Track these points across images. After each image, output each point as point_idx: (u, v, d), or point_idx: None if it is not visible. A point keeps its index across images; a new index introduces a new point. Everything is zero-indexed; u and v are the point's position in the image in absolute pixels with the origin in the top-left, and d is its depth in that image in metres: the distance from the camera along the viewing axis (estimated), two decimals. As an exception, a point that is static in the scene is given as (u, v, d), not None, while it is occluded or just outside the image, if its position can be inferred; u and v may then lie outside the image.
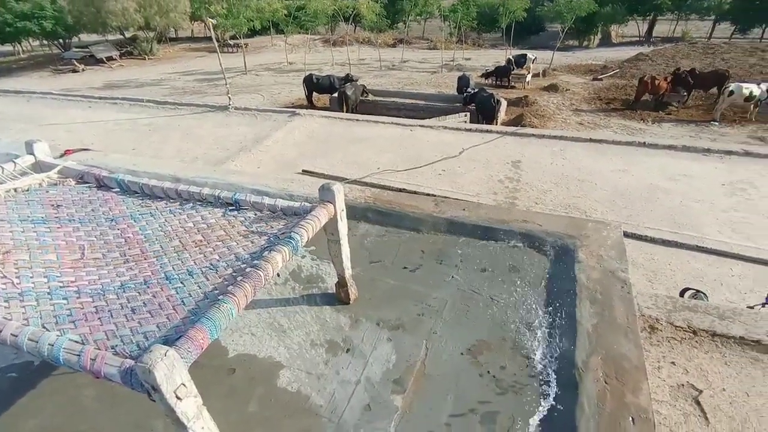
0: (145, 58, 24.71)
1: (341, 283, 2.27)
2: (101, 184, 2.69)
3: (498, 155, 6.27)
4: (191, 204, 2.34)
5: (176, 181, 3.59)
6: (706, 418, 2.14)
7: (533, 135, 6.77)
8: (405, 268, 2.52)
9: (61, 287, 1.83)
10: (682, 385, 2.30)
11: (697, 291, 3.33)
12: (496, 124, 9.73)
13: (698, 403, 2.21)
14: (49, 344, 1.41)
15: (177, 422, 1.35)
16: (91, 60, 22.72)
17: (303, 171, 6.15)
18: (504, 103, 11.24)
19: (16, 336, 1.47)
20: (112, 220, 2.30)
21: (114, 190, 2.62)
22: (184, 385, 1.31)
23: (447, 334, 2.07)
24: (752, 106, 10.44)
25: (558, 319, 2.06)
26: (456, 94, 12.44)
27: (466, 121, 9.35)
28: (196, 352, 1.34)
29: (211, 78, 17.65)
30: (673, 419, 2.14)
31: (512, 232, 2.65)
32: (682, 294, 3.35)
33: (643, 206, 4.95)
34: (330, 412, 1.77)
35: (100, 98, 10.47)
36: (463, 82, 12.46)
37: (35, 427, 1.80)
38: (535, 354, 1.93)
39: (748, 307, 3.23)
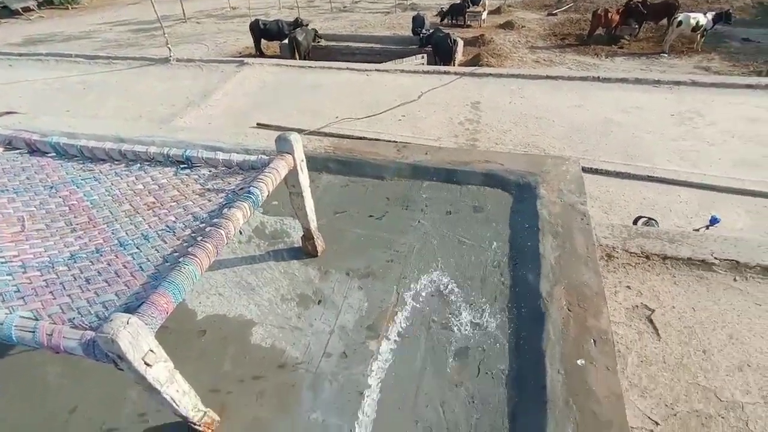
0: (68, 8, 22.20)
1: (307, 236, 2.22)
2: (33, 149, 2.46)
3: (457, 97, 6.19)
4: (138, 165, 2.18)
5: (120, 141, 3.34)
6: (658, 334, 2.31)
7: (491, 75, 6.69)
8: (371, 216, 2.49)
9: (3, 263, 1.69)
10: (637, 306, 2.46)
11: (649, 218, 3.51)
12: (454, 65, 9.55)
13: (651, 321, 2.38)
14: (-4, 324, 1.32)
15: (150, 389, 1.32)
16: (5, 12, 20.26)
17: (257, 124, 5.88)
18: (461, 43, 11.00)
19: (-41, 318, 1.36)
20: (51, 188, 2.12)
21: (49, 155, 2.40)
22: (152, 351, 1.26)
23: (416, 278, 2.10)
24: (698, 36, 10.69)
25: (523, 255, 2.12)
26: (411, 35, 12.05)
27: (423, 64, 9.11)
28: (160, 318, 1.29)
29: (147, 28, 16.21)
30: (629, 338, 2.30)
31: (475, 173, 2.65)
32: (635, 222, 3.52)
33: (598, 140, 5.08)
34: (306, 363, 1.78)
35: (21, 55, 9.44)
36: (417, 23, 12.05)
37: (-2, 408, 1.73)
38: (503, 289, 1.99)
39: (693, 230, 3.45)
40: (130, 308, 1.37)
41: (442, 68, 7.24)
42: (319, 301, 2.04)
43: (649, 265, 2.64)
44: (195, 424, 1.52)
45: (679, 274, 2.58)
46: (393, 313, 1.94)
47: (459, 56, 10.86)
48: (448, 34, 10.06)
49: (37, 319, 1.37)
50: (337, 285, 2.10)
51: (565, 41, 12.72)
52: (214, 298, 2.10)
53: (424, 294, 2.02)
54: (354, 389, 1.67)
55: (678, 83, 6.05)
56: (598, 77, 6.31)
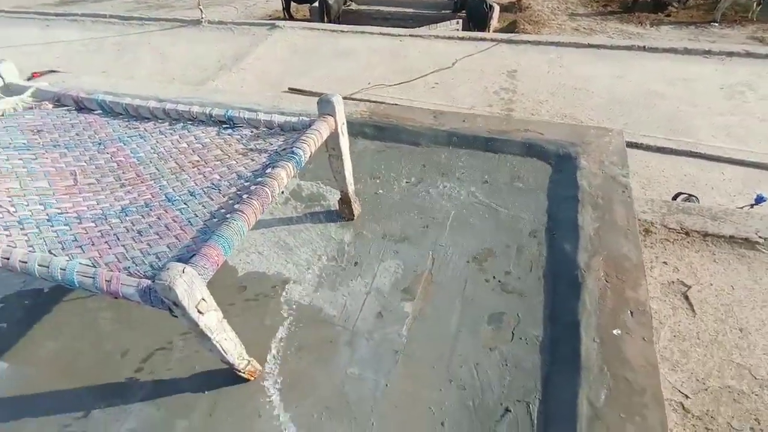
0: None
1: (344, 200, 2.25)
2: (81, 107, 2.54)
3: (493, 65, 6.00)
4: (182, 124, 2.23)
5: (160, 101, 3.40)
6: (693, 311, 2.29)
7: (529, 42, 6.44)
8: (407, 182, 2.50)
9: (59, 214, 1.79)
10: (673, 282, 2.43)
11: (690, 195, 3.40)
12: (489, 32, 9.22)
13: (686, 297, 2.35)
14: (60, 269, 1.40)
15: (201, 335, 1.40)
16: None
17: (289, 89, 5.87)
18: (497, 9, 10.57)
19: (26, 262, 1.46)
20: (99, 144, 2.20)
21: (96, 112, 2.48)
22: (204, 299, 1.33)
23: (452, 244, 2.11)
24: (755, 4, 9.96)
25: (561, 225, 2.10)
26: (446, 0, 11.64)
27: (458, 29, 8.83)
28: (212, 269, 1.35)
29: (178, -11, 16.13)
30: (663, 313, 2.28)
31: (513, 142, 2.61)
32: (674, 198, 3.42)
33: (640, 113, 4.88)
34: (343, 321, 1.84)
35: (58, 15, 9.57)
36: (452, -14, 11.60)
37: (57, 349, 1.86)
38: (539, 259, 1.99)
39: (737, 208, 3.33)
40: (182, 259, 1.43)
41: (478, 34, 7.00)
42: (355, 263, 2.08)
43: (688, 242, 2.58)
44: (240, 371, 1.60)
45: (720, 252, 2.51)
46: (428, 277, 1.97)
47: (494, 22, 10.45)
48: (484, -2, 9.67)
49: (95, 267, 1.45)
50: (373, 248, 2.14)
51: (607, 8, 12.05)
52: (254, 256, 2.17)
53: (459, 260, 2.04)
54: (389, 347, 1.73)
55: (731, 54, 5.69)
56: (644, 47, 5.99)
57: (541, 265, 1.96)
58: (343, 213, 2.31)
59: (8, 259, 1.48)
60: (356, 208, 2.28)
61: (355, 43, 7.02)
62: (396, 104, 4.47)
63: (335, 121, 1.91)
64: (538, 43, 6.42)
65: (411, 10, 11.53)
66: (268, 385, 1.65)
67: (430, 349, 1.71)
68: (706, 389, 1.99)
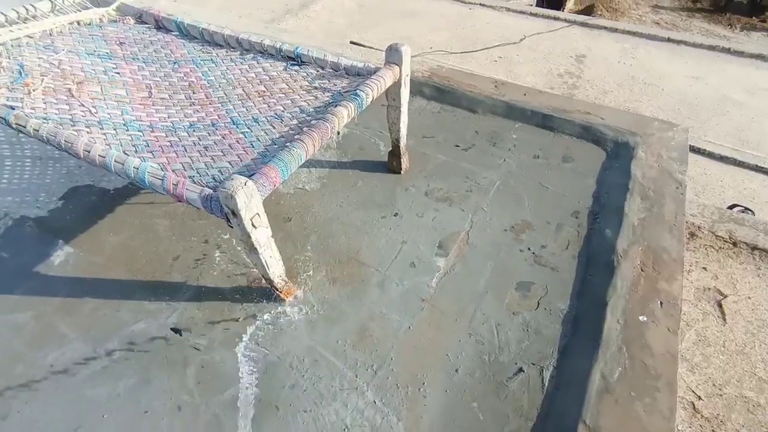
0: None
1: (394, 153, 2.30)
2: (160, 26, 2.66)
3: (561, 46, 5.77)
4: (252, 55, 2.32)
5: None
6: (724, 319, 2.25)
7: (605, 28, 6.13)
8: (457, 146, 2.52)
9: (134, 120, 1.93)
10: (709, 288, 2.39)
11: (746, 208, 3.26)
12: (563, 12, 8.78)
13: (720, 306, 2.31)
14: (134, 167, 1.53)
15: (250, 248, 1.51)
16: None
17: (351, 42, 5.86)
18: (575, -11, 10.03)
19: (104, 157, 1.59)
20: (174, 63, 2.32)
21: (173, 33, 2.60)
22: (258, 215, 1.43)
23: (492, 211, 2.15)
24: None
25: (605, 210, 2.09)
26: (523, -28, 11.09)
27: (531, 5, 8.45)
28: (269, 188, 1.45)
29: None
30: (692, 316, 2.27)
31: (571, 123, 2.56)
32: (729, 209, 3.29)
33: (709, 118, 4.63)
34: (377, 264, 1.93)
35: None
36: (532, -41, 11.01)
37: (117, 243, 2.05)
38: (577, 238, 2.00)
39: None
40: (244, 175, 1.53)
41: (552, 13, 6.70)
42: (396, 214, 2.16)
43: (734, 252, 2.51)
44: (277, 290, 1.73)
45: (766, 268, 2.44)
46: (465, 237, 2.03)
47: (570, 3, 9.95)
48: (565, -24, 9.17)
49: (164, 171, 1.57)
50: (414, 203, 2.20)
51: (696, 4, 11.20)
52: (300, 191, 2.28)
53: (497, 227, 2.08)
54: (417, 295, 1.81)
55: (824, 70, 5.25)
56: (729, 49, 5.60)
57: (578, 244, 1.97)
58: (391, 165, 2.37)
59: (89, 152, 1.62)
60: (404, 163, 2.34)
61: (423, 5, 6.87)
62: (458, 69, 4.41)
63: (400, 71, 1.94)
64: (614, 30, 6.10)
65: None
66: (300, 308, 1.77)
67: (455, 304, 1.78)
68: (721, 395, 1.99)
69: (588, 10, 9.74)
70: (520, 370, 1.57)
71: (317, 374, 1.56)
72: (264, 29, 3.69)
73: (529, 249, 1.98)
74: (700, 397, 1.98)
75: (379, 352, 1.62)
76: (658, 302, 1.68)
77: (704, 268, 2.46)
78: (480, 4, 6.87)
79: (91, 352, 1.64)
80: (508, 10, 6.77)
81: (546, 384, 1.53)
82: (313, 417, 1.46)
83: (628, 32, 6.04)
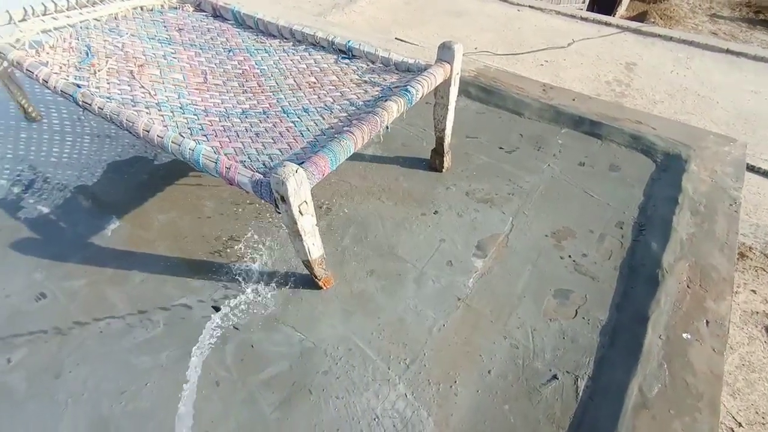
0: None
1: (437, 151, 2.31)
2: (216, 14, 2.75)
3: (611, 53, 5.61)
4: (304, 46, 2.36)
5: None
6: (771, 346, 2.16)
7: (659, 35, 5.90)
8: (501, 148, 2.50)
9: (190, 104, 2.00)
10: (757, 312, 2.29)
11: (802, 232, 3.09)
12: (615, 18, 8.52)
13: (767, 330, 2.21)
14: (189, 149, 1.59)
15: (295, 234, 1.55)
16: None
17: (396, 39, 5.87)
18: (629, -6, 9.72)
19: (162, 138, 1.66)
20: (229, 51, 2.39)
21: (229, 21, 2.68)
22: (306, 202, 1.47)
23: (534, 216, 2.12)
24: None
25: (652, 222, 2.03)
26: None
27: (582, 9, 8.24)
28: (318, 177, 1.48)
29: None
30: (736, 339, 2.18)
31: (620, 131, 2.50)
32: (783, 232, 3.13)
33: (766, 136, 4.41)
34: (414, 260, 1.94)
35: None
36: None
37: (165, 220, 2.13)
38: (620, 249, 1.96)
39: None
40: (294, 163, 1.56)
41: (604, 18, 6.50)
42: (436, 212, 2.16)
43: (786, 277, 2.40)
44: (317, 277, 1.77)
45: (821, 296, 2.32)
46: (504, 240, 2.01)
47: (622, 9, 9.65)
48: (618, -20, 8.89)
49: (217, 154, 1.63)
50: (455, 202, 2.20)
51: (758, 15, 10.64)
52: (342, 183, 2.31)
53: (537, 231, 2.05)
54: (452, 293, 1.82)
55: None
56: (793, 63, 5.30)
57: (622, 256, 1.93)
58: (432, 163, 2.37)
59: (148, 132, 1.70)
60: (447, 161, 2.33)
61: (470, 5, 6.81)
62: (506, 70, 4.36)
63: (451, 70, 1.94)
64: (669, 38, 5.87)
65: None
66: (337, 296, 1.81)
67: (491, 305, 1.77)
68: (764, 424, 1.91)
69: (641, 17, 9.42)
70: (555, 377, 1.55)
71: (351, 363, 1.59)
72: (314, 22, 3.75)
73: (569, 256, 1.94)
74: (740, 424, 1.90)
75: (412, 347, 1.64)
76: (704, 321, 1.62)
77: (753, 290, 2.35)
78: (529, 6, 6.75)
79: (137, 322, 1.73)
80: (558, 13, 6.62)
81: (580, 393, 1.51)
82: (345, 404, 1.48)
83: (684, 41, 5.80)
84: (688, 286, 1.74)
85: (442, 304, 1.78)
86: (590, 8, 9.04)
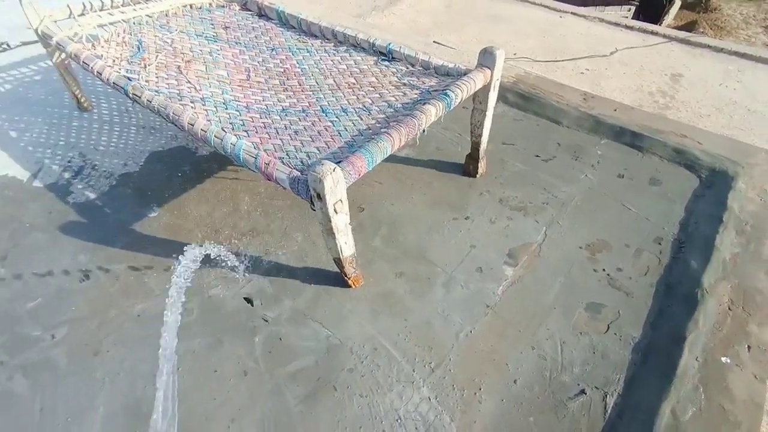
0: None
1: (472, 156, 2.29)
2: (261, 13, 2.82)
3: (656, 63, 5.43)
4: (345, 48, 2.40)
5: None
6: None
7: (708, 46, 5.66)
8: (537, 156, 2.46)
9: (233, 101, 2.06)
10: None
11: None
12: (661, 27, 8.25)
13: (814, 362, 2.09)
14: (231, 143, 1.64)
15: (329, 232, 1.57)
16: None
17: (434, 42, 5.86)
18: (678, 4, 9.39)
19: (205, 132, 1.72)
20: (272, 50, 2.45)
21: (273, 21, 2.74)
22: (341, 201, 1.49)
23: (568, 227, 2.08)
24: None
25: (693, 240, 1.96)
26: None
27: (627, 17, 8.02)
28: (354, 176, 1.50)
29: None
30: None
31: (663, 144, 2.42)
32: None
33: (820, 155, 4.17)
34: (444, 264, 1.94)
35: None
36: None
37: (203, 211, 2.20)
38: (658, 266, 1.90)
39: None
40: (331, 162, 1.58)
41: (650, 27, 6.29)
42: (467, 218, 2.15)
43: (838, 306, 2.26)
44: (346, 275, 1.79)
45: None
46: (536, 249, 1.99)
47: (669, 18, 9.32)
48: (667, -12, 8.61)
49: (257, 150, 1.67)
50: (488, 208, 2.18)
51: (819, 28, 10.08)
52: (376, 184, 2.33)
53: (571, 243, 2.01)
54: (481, 300, 1.80)
55: None
56: None
57: (659, 272, 1.87)
58: (467, 168, 2.36)
59: (192, 125, 1.76)
60: (482, 167, 2.32)
61: (512, 10, 6.73)
62: (545, 77, 4.29)
63: (491, 75, 1.93)
64: (720, 50, 5.63)
65: (579, -13, 10.64)
66: (365, 296, 1.82)
67: (520, 315, 1.75)
68: (805, 458, 1.81)
69: (689, 27, 9.09)
70: (582, 391, 1.52)
71: (376, 362, 1.60)
72: (354, 23, 3.79)
73: (603, 270, 1.90)
74: (779, 456, 1.81)
75: (438, 351, 1.64)
76: (746, 345, 1.55)
77: (799, 317, 2.23)
78: (572, 12, 6.60)
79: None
80: (602, 20, 6.46)
81: (609, 410, 1.47)
82: (368, 403, 1.50)
83: (735, 53, 5.55)
84: (729, 308, 1.67)
85: (470, 311, 1.77)
86: (636, 16, 8.78)
